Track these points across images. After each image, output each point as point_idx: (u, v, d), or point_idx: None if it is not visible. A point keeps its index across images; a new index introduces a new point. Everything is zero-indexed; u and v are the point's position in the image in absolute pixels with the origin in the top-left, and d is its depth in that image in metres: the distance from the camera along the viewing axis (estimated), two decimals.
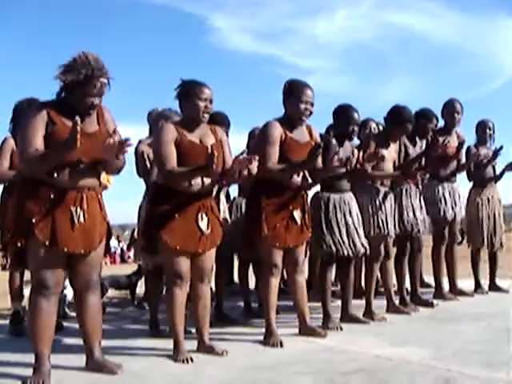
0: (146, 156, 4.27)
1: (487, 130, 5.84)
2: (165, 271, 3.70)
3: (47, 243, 3.02)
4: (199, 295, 3.70)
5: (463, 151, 5.50)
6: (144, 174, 4.34)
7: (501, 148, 5.59)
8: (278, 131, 3.88)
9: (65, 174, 3.06)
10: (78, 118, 2.82)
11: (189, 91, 3.57)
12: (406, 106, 4.82)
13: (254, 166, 3.52)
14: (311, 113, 3.96)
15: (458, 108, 5.45)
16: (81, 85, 3.05)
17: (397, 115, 4.74)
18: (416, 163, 4.95)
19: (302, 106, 3.90)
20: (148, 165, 4.26)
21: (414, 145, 5.04)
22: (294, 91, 3.93)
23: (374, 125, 5.24)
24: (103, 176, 3.33)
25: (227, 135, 4.51)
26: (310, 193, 4.46)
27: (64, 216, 3.07)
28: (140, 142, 4.43)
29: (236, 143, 4.61)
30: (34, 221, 3.02)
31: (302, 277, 4.12)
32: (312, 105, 3.94)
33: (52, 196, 3.05)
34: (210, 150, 3.30)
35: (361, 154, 4.20)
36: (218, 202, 4.40)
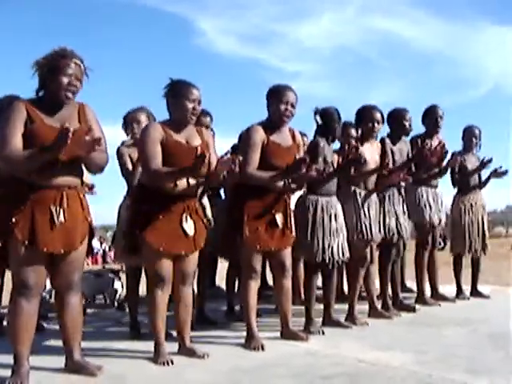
0: (127, 158, 4.23)
1: (473, 139, 5.85)
2: (147, 273, 3.66)
3: (27, 243, 2.98)
4: (181, 297, 3.67)
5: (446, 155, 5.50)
6: (127, 174, 4.29)
7: (490, 161, 5.62)
8: (259, 135, 3.85)
9: (44, 173, 3.01)
10: (67, 124, 2.84)
11: (177, 91, 3.54)
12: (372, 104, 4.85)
13: (237, 165, 3.48)
14: (292, 114, 3.94)
15: (441, 113, 5.45)
16: (57, 68, 3.04)
17: (358, 113, 4.82)
18: (405, 169, 4.95)
19: (283, 107, 3.87)
20: (130, 167, 4.22)
21: (394, 144, 5.06)
22: (275, 94, 3.92)
23: (353, 129, 5.22)
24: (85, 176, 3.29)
25: (212, 130, 4.51)
26: (295, 195, 4.45)
27: (43, 215, 3.03)
28: (123, 143, 4.39)
29: (221, 146, 4.58)
30: (13, 220, 2.97)
31: (288, 281, 4.07)
32: (293, 106, 3.91)
33: (31, 195, 3.01)
34: (199, 151, 3.27)
35: (336, 157, 4.21)
36: (201, 204, 4.37)
